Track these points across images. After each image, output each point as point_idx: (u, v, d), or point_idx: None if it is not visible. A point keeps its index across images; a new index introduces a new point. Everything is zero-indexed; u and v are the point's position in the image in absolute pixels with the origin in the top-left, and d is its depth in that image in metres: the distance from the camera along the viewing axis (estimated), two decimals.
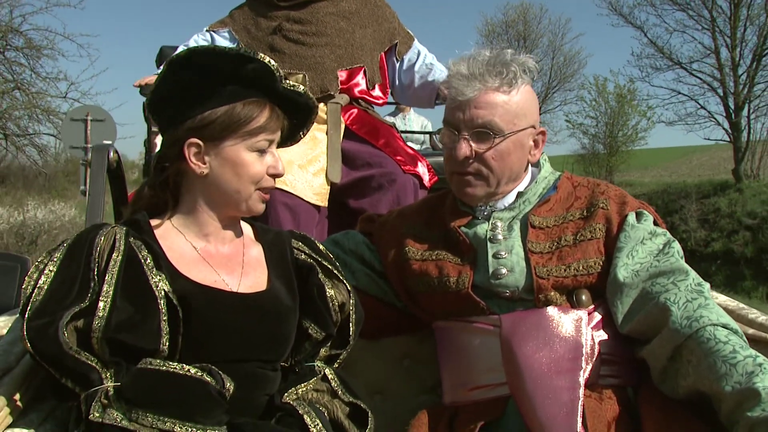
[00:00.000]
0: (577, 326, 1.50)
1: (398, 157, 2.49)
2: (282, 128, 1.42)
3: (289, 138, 1.51)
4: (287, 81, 1.37)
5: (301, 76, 2.50)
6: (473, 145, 1.60)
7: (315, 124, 2.49)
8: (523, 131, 1.63)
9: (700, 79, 19.17)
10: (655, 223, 1.62)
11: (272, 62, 1.34)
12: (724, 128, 19.01)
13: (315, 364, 1.48)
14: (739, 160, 17.80)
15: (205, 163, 1.35)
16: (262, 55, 1.34)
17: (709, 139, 20.19)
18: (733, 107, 18.44)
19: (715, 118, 19.23)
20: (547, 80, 25.15)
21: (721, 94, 18.74)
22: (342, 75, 2.57)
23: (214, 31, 2.68)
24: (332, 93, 2.55)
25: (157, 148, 1.33)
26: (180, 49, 1.38)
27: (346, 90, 2.59)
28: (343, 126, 2.53)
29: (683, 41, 22.53)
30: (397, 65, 2.79)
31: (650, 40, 19.96)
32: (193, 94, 1.34)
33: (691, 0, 18.63)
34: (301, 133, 1.52)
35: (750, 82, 18.24)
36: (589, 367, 1.48)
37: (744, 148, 17.97)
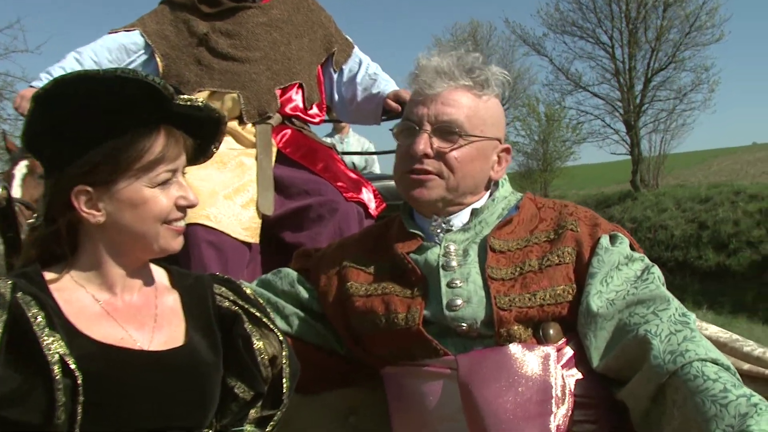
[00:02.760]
0: (544, 365, 1.51)
1: (339, 183, 2.50)
2: (186, 150, 1.40)
3: (201, 154, 1.50)
4: (181, 96, 1.35)
5: (234, 95, 2.50)
6: (435, 142, 1.64)
7: (243, 148, 2.52)
8: (489, 141, 1.68)
9: (604, 99, 24.50)
10: (632, 248, 1.65)
11: (156, 79, 1.31)
12: (625, 143, 24.57)
13: (244, 428, 1.45)
14: (634, 171, 23.02)
15: (99, 211, 1.32)
16: (144, 73, 1.31)
17: (615, 153, 25.50)
18: (627, 125, 24.12)
19: (619, 135, 25.01)
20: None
21: (622, 113, 24.30)
22: (278, 93, 2.58)
23: (117, 33, 2.62)
24: (271, 115, 2.55)
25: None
26: (60, 67, 1.35)
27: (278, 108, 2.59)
28: (274, 149, 2.53)
29: (589, 66, 28.54)
30: (336, 77, 2.81)
31: (557, 67, 25.73)
32: (70, 132, 1.30)
33: (596, 28, 24.42)
34: (212, 147, 1.51)
35: (641, 102, 23.90)
36: (561, 411, 1.49)
37: (637, 161, 23.41)
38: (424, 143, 1.64)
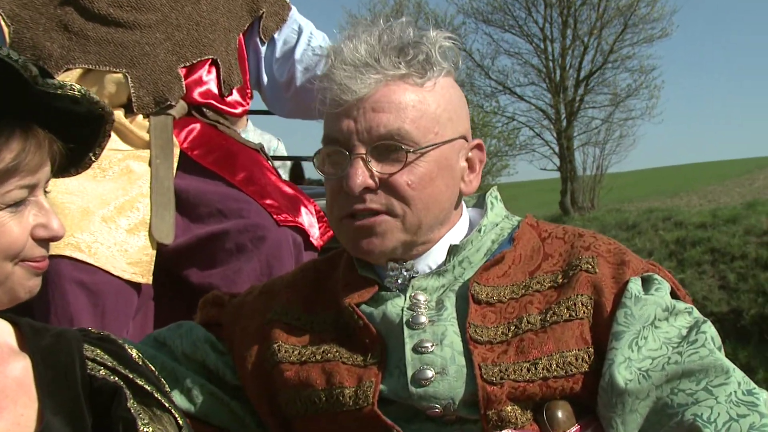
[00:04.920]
0: None
1: (269, 201, 2.50)
2: (53, 158, 1.39)
3: (74, 164, 1.48)
4: (49, 81, 1.33)
5: (119, 75, 2.49)
6: (375, 167, 1.64)
7: (131, 148, 2.51)
8: (449, 143, 1.68)
9: (533, 105, 26.97)
10: (674, 295, 1.66)
11: (12, 54, 1.28)
12: (556, 156, 27.36)
13: None
14: (563, 191, 25.38)
15: None
16: None
17: (545, 169, 27.76)
18: (557, 135, 27.20)
19: (550, 147, 27.90)
20: None
21: (554, 121, 27.29)
22: (182, 72, 2.58)
23: None
24: (172, 103, 2.55)
25: None
26: None
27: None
28: (177, 151, 2.53)
29: (517, 63, 30.24)
30: (264, 50, 2.83)
31: (477, 63, 28.47)
32: None
33: (527, 16, 27.17)
34: (91, 154, 1.50)
35: (572, 109, 26.85)
36: None
37: (568, 179, 25.76)
38: (361, 173, 1.62)
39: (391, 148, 1.63)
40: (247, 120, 6.31)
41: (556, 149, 27.25)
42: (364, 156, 1.64)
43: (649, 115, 27.13)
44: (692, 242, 17.10)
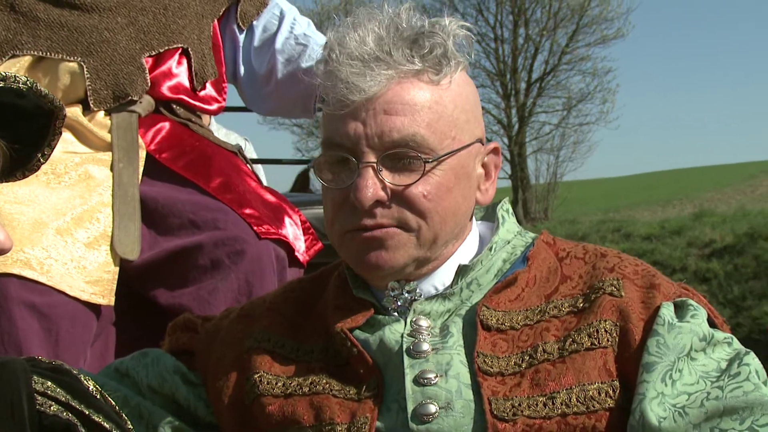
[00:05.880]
0: None
1: (248, 210, 2.49)
2: None
3: (20, 166, 1.46)
4: None
5: (73, 65, 2.47)
6: (387, 178, 1.61)
7: (90, 151, 2.49)
8: (466, 149, 1.66)
9: (483, 109, 27.71)
10: (712, 322, 1.64)
11: None
12: (507, 163, 29.03)
13: None
14: (514, 201, 26.97)
15: None
16: None
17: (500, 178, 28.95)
18: (509, 141, 29.19)
19: (504, 155, 29.10)
20: None
21: (505, 126, 29.36)
22: (147, 62, 2.57)
23: None
24: (136, 99, 2.53)
25: None
26: None
27: (149, 88, 2.58)
28: (143, 154, 2.51)
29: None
30: (242, 39, 2.83)
31: None
32: None
33: (474, 22, 28.72)
34: (39, 155, 1.47)
35: (524, 113, 29.02)
36: None
37: (519, 187, 27.71)
38: (372, 184, 1.59)
39: (403, 156, 1.61)
40: (210, 118, 6.31)
41: (507, 156, 28.86)
42: (375, 165, 1.61)
43: (605, 120, 28.96)
44: (637, 254, 18.32)
